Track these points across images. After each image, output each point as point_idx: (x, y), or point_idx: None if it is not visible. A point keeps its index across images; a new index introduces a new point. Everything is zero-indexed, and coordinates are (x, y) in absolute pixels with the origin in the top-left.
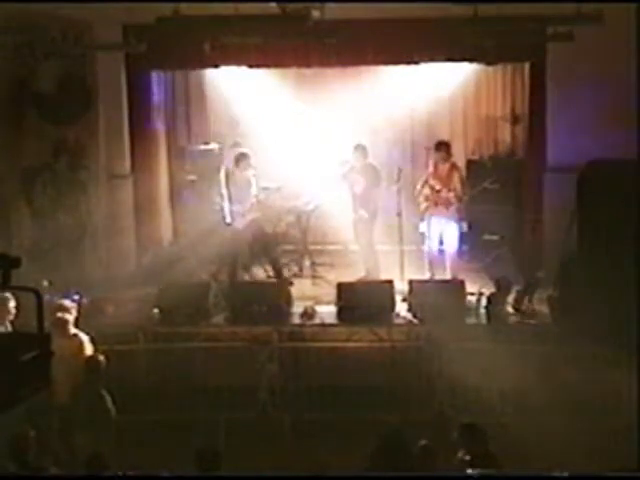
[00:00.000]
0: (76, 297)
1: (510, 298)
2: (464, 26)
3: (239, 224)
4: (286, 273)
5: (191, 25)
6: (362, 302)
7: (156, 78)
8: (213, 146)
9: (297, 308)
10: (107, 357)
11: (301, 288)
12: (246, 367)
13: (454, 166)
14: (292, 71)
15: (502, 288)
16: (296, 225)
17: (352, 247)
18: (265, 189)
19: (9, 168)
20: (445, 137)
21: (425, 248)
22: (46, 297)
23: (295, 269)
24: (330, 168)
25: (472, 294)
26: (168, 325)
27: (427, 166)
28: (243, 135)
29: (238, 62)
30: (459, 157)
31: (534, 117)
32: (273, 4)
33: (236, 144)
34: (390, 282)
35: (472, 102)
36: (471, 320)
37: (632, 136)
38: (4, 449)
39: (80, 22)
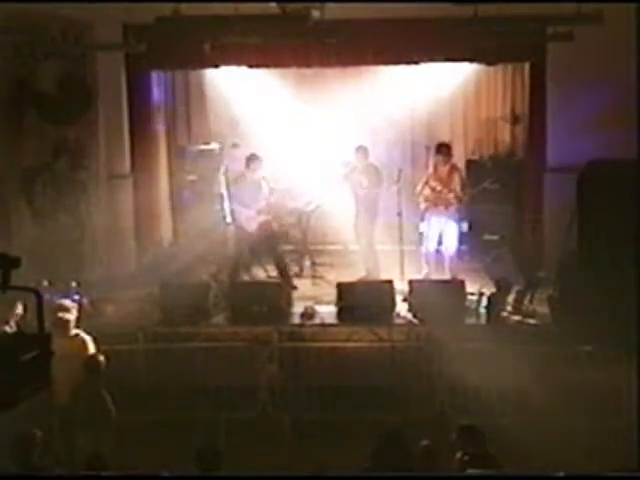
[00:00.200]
0: (76, 297)
1: (510, 298)
2: (464, 26)
3: (249, 226)
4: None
5: (191, 25)
6: (362, 302)
7: (156, 78)
8: (213, 146)
9: (297, 308)
10: (107, 357)
11: (301, 288)
12: (246, 367)
13: (454, 167)
14: (292, 71)
15: (502, 288)
16: (296, 225)
17: (352, 247)
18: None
19: (9, 168)
20: (445, 137)
21: (422, 248)
22: (46, 297)
23: (295, 269)
24: (330, 168)
25: (472, 294)
26: (168, 325)
27: (427, 166)
28: (243, 135)
29: (238, 62)
30: (459, 157)
31: (534, 117)
32: (273, 4)
33: (235, 145)
34: (390, 282)
35: (472, 102)
36: (471, 320)
37: (632, 136)
38: (8, 449)
39: (80, 22)
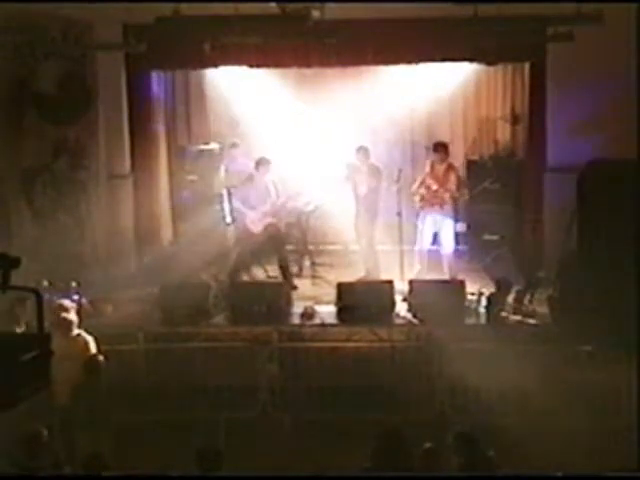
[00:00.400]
0: (76, 297)
1: (510, 298)
2: (464, 26)
3: (254, 227)
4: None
5: (191, 25)
6: (362, 302)
7: (156, 78)
8: (213, 146)
9: (297, 308)
10: (107, 357)
11: (301, 288)
12: (246, 367)
13: (451, 166)
14: (292, 71)
15: (502, 288)
16: (296, 225)
17: (352, 247)
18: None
19: (9, 168)
20: (445, 137)
21: (417, 246)
22: (46, 297)
23: (295, 269)
24: (330, 168)
25: (472, 294)
26: (168, 325)
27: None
28: (243, 135)
29: (238, 62)
30: (459, 157)
31: (534, 117)
32: (273, 4)
33: (234, 145)
34: (390, 282)
35: (472, 102)
36: (471, 320)
37: (632, 136)
38: (13, 448)
39: (80, 22)
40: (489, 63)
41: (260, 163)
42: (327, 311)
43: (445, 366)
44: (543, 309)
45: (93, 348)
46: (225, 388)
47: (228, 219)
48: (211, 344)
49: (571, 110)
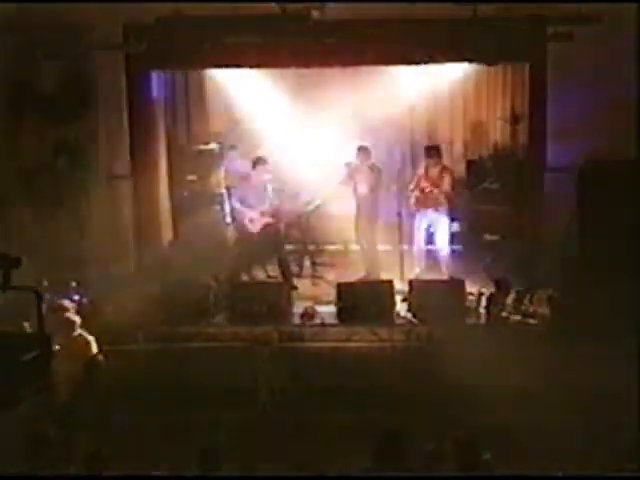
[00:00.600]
0: (76, 297)
1: (510, 298)
2: (464, 26)
3: (253, 227)
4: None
5: (191, 25)
6: (362, 302)
7: (156, 78)
8: (213, 146)
9: (297, 308)
10: (107, 357)
11: (301, 288)
12: (246, 367)
13: (445, 168)
14: (292, 71)
15: (502, 288)
16: (296, 225)
17: (352, 247)
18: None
19: (9, 168)
20: (445, 137)
21: (414, 246)
22: (46, 297)
23: (295, 269)
24: (330, 168)
25: (472, 294)
26: (168, 325)
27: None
28: (243, 135)
29: (238, 62)
30: (459, 157)
31: (534, 117)
32: (273, 4)
33: (232, 147)
34: (390, 282)
35: (472, 102)
36: (471, 320)
37: (632, 136)
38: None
39: (80, 22)
40: (489, 63)
41: (257, 162)
42: (327, 311)
43: (445, 366)
44: (543, 309)
45: (93, 348)
46: (225, 388)
47: (228, 219)
48: (211, 344)
49: (571, 110)
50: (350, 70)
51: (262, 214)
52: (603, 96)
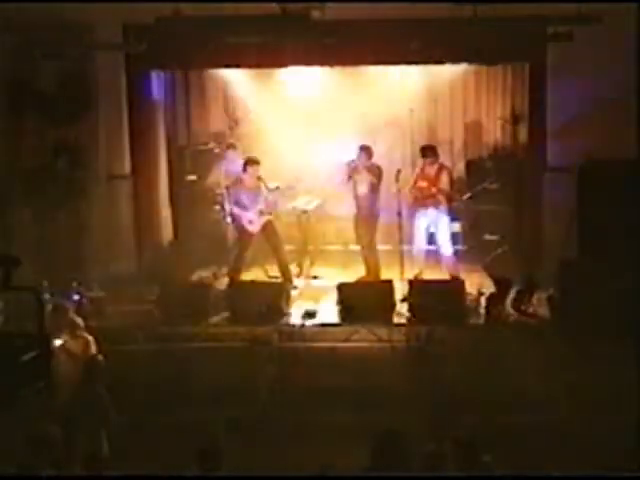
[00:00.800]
0: (76, 297)
1: (510, 298)
2: (464, 26)
3: (252, 227)
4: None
5: (191, 25)
6: (362, 302)
7: (156, 78)
8: (213, 146)
9: (297, 308)
10: (107, 357)
11: (301, 288)
12: (246, 367)
13: (442, 167)
14: (292, 71)
15: (502, 288)
16: (296, 225)
17: (352, 247)
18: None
19: (9, 168)
20: (445, 137)
21: (414, 246)
22: (46, 297)
23: (295, 269)
24: (330, 168)
25: (472, 294)
26: (168, 325)
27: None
28: (243, 135)
29: (238, 62)
30: (459, 157)
31: (534, 117)
32: (273, 4)
33: (231, 146)
34: (390, 282)
35: (472, 102)
36: (471, 320)
37: (632, 136)
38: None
39: (80, 22)
40: (489, 63)
41: (248, 164)
42: (327, 311)
43: (445, 366)
44: (543, 309)
45: (93, 348)
46: (225, 388)
47: (228, 219)
48: (211, 344)
49: (571, 110)
50: (350, 70)
51: (260, 214)
52: (603, 96)
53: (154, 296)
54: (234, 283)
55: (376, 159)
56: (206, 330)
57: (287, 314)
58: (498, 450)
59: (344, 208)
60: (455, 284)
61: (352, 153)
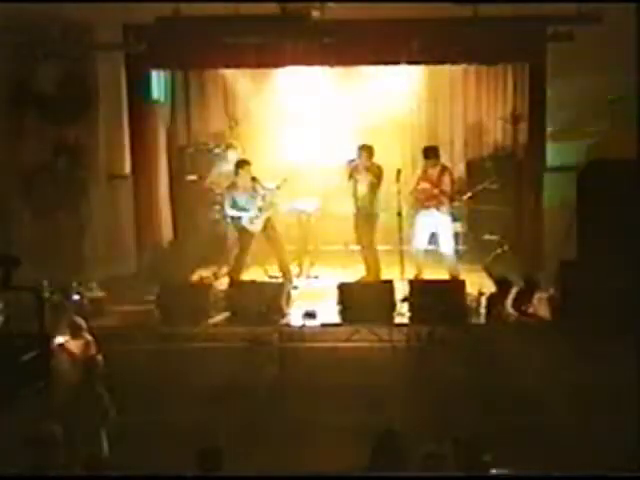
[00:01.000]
0: (76, 297)
1: (510, 298)
2: (464, 26)
3: (252, 227)
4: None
5: (191, 25)
6: (362, 302)
7: (156, 78)
8: (213, 146)
9: (297, 308)
10: (107, 357)
11: (301, 288)
12: (246, 367)
13: (444, 168)
14: (292, 71)
15: (502, 288)
16: (296, 225)
17: (352, 247)
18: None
19: (9, 168)
20: (445, 137)
21: (413, 246)
22: (46, 297)
23: (295, 269)
24: (330, 168)
25: (472, 294)
26: (168, 325)
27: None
28: (242, 135)
29: (238, 62)
30: (459, 157)
31: (534, 117)
32: (273, 4)
33: (230, 146)
34: (390, 282)
35: (472, 102)
36: (471, 320)
37: (632, 136)
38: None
39: (80, 22)
40: (489, 63)
41: (239, 166)
42: (327, 311)
43: (445, 366)
44: (543, 309)
45: (93, 348)
46: (225, 388)
47: (228, 219)
48: (211, 344)
49: (571, 110)
50: (350, 70)
51: (258, 213)
52: (603, 96)
53: (154, 296)
54: (234, 283)
55: (376, 159)
56: (206, 330)
57: (287, 314)
58: (498, 450)
59: (344, 208)
60: (455, 284)
61: (352, 153)
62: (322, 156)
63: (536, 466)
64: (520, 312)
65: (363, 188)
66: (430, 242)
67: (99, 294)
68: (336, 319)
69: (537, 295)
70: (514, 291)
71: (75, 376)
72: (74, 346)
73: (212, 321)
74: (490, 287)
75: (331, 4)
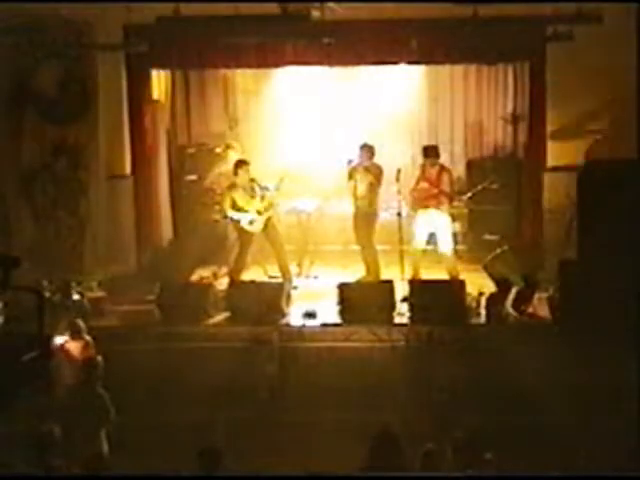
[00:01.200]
0: (76, 297)
1: (510, 298)
2: (464, 26)
3: (252, 228)
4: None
5: (191, 25)
6: (362, 302)
7: (156, 78)
8: (213, 146)
9: (297, 308)
10: (107, 357)
11: (301, 288)
12: (246, 367)
13: (443, 168)
14: (293, 71)
15: (502, 288)
16: (296, 225)
17: (352, 247)
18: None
19: (9, 168)
20: (445, 137)
21: (413, 246)
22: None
23: (295, 269)
24: (330, 168)
25: (472, 294)
26: (168, 325)
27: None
28: (243, 135)
29: (238, 62)
30: (459, 157)
31: (534, 117)
32: (273, 4)
33: (229, 146)
34: (390, 282)
35: (472, 102)
36: (471, 320)
37: (632, 136)
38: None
39: (80, 22)
40: (489, 63)
41: (238, 166)
42: (327, 311)
43: (445, 366)
44: (543, 309)
45: (93, 348)
46: (225, 388)
47: (228, 219)
48: (211, 344)
49: (571, 109)
50: (350, 70)
51: (258, 213)
52: (603, 95)
53: (154, 296)
54: (234, 283)
55: (376, 159)
56: (206, 330)
57: (287, 314)
58: (498, 450)
59: (344, 208)
60: (455, 284)
61: (352, 152)
62: (322, 156)
63: (536, 466)
64: (520, 312)
65: (363, 188)
66: (429, 242)
67: (99, 294)
68: (336, 319)
69: (537, 295)
70: (514, 291)
71: (75, 377)
72: (73, 347)
73: (212, 321)
74: (490, 287)
75: (331, 4)
